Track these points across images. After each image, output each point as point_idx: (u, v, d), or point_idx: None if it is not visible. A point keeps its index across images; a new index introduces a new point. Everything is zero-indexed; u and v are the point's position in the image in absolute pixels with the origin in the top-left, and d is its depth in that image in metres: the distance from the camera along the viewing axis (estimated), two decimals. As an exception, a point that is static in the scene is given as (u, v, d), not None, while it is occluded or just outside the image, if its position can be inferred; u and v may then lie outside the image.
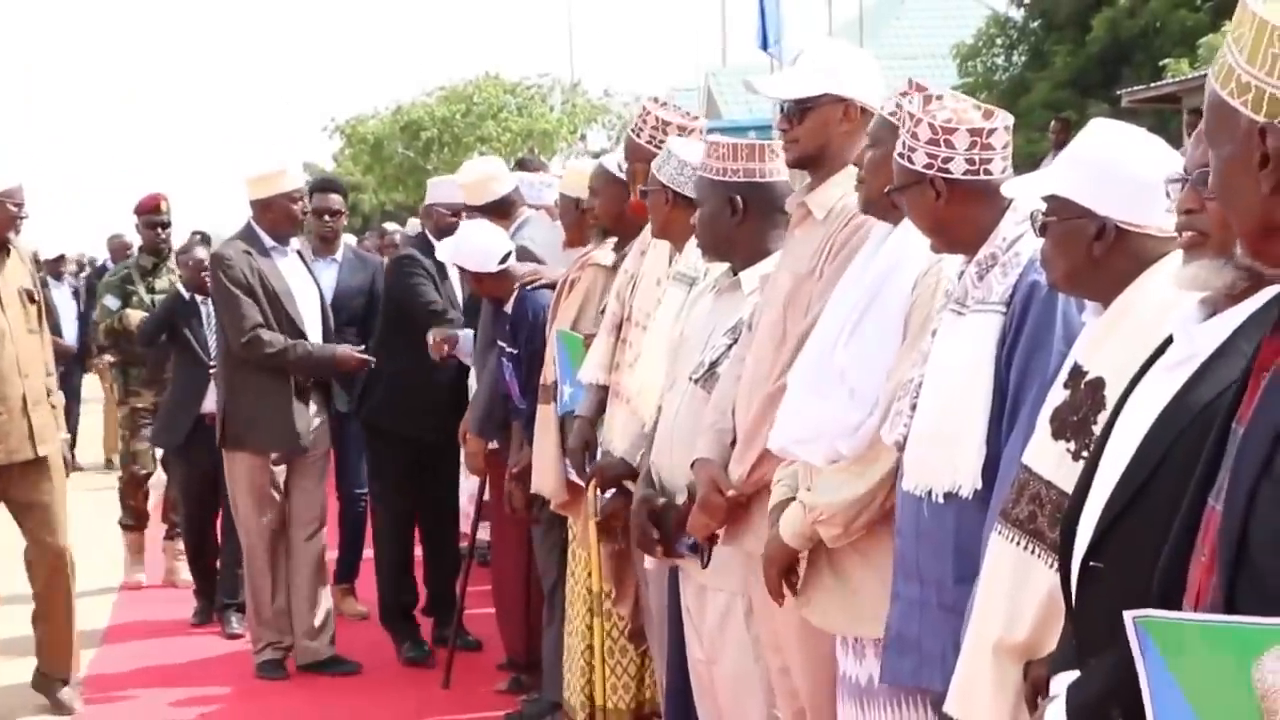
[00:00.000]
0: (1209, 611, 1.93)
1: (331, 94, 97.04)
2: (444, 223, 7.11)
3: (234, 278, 6.73)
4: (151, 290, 8.68)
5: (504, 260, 6.03)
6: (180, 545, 8.72)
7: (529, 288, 5.92)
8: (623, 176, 5.21)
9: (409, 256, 7.12)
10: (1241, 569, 1.90)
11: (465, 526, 7.35)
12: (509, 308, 5.98)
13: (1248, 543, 1.88)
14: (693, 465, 3.98)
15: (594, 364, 5.08)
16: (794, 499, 3.59)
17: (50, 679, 6.51)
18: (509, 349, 5.88)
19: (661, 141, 4.85)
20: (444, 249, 6.36)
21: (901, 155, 3.22)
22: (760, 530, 3.82)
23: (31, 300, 6.43)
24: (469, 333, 6.77)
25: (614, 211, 5.32)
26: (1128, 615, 1.85)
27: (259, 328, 6.68)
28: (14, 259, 6.37)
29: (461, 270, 6.31)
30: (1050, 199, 2.74)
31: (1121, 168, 2.70)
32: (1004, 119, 3.22)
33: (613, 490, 4.76)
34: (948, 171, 3.17)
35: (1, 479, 6.31)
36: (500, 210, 6.66)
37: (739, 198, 4.12)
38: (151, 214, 8.80)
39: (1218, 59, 1.91)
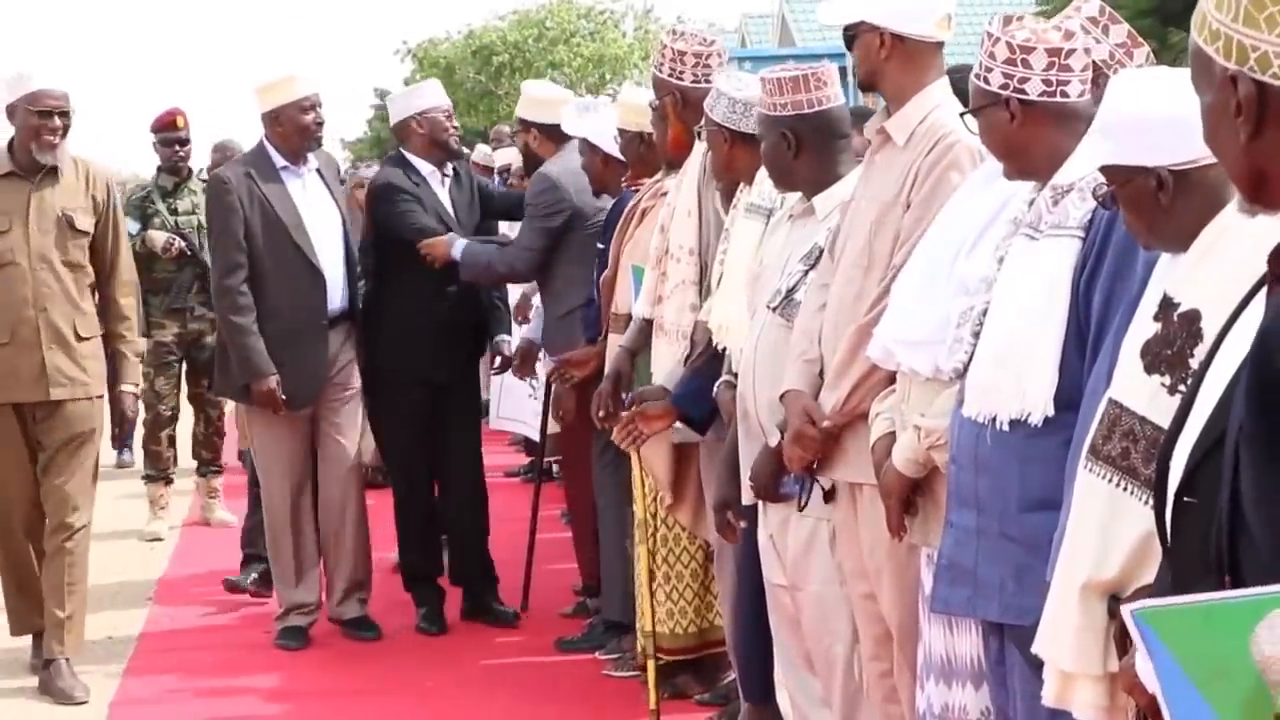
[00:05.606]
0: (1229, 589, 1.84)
1: (403, 17, 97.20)
2: (413, 135, 6.48)
3: (228, 204, 6.14)
4: (174, 212, 8.28)
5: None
6: (213, 483, 8.48)
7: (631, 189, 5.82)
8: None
9: (385, 185, 6.46)
10: (1240, 536, 1.83)
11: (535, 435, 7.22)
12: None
13: (1240, 501, 1.82)
14: (782, 398, 3.95)
15: (645, 298, 5.14)
16: (894, 432, 3.54)
17: (48, 648, 5.75)
18: (599, 245, 5.89)
19: (682, 74, 4.99)
20: (576, 124, 6.11)
21: (978, 76, 3.18)
22: (851, 460, 3.80)
23: (74, 228, 5.69)
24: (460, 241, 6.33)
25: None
26: (1125, 609, 1.77)
27: (239, 271, 6.11)
28: (68, 181, 5.68)
29: (590, 147, 6.02)
30: (1105, 170, 2.67)
31: (1150, 114, 2.59)
32: (1084, 41, 3.16)
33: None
34: (1023, 92, 3.11)
35: (21, 421, 5.70)
36: (553, 135, 6.40)
37: (789, 132, 4.14)
38: (167, 130, 8.35)
39: (1198, 6, 1.86)
